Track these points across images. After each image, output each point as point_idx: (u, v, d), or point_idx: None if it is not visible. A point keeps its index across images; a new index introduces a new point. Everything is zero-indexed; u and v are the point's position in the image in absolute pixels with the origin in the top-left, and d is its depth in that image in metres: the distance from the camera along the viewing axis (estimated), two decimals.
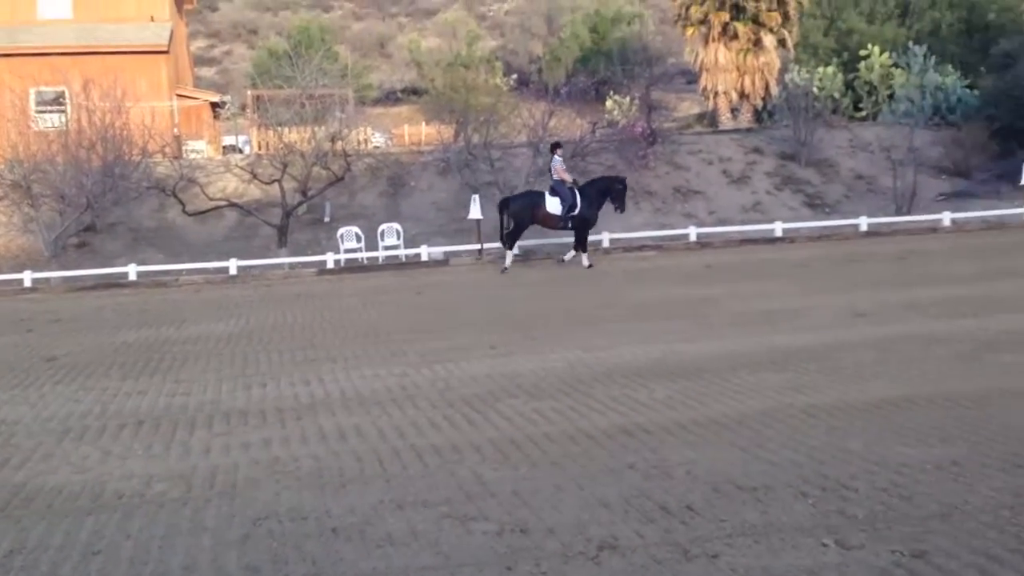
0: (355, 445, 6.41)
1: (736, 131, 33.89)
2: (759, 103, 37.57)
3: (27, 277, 19.83)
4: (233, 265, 20.30)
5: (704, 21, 36.14)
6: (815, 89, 34.23)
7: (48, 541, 4.82)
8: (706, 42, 36.54)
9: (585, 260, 17.85)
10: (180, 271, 20.67)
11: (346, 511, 5.07)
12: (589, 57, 45.90)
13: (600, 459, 5.76)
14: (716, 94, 37.50)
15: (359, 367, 9.27)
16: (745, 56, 36.34)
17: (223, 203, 23.61)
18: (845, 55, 38.95)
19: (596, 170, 25.19)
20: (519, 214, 18.30)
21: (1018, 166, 23.82)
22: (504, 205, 18.66)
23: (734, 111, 37.97)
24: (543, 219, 18.37)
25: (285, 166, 22.65)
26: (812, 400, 6.89)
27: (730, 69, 36.58)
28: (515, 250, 18.82)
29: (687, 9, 36.53)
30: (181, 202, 22.59)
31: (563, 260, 18.42)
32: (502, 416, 6.97)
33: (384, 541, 4.59)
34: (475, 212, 21.45)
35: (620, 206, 18.47)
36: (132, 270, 20.32)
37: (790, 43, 37.50)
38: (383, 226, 22.69)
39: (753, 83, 37.08)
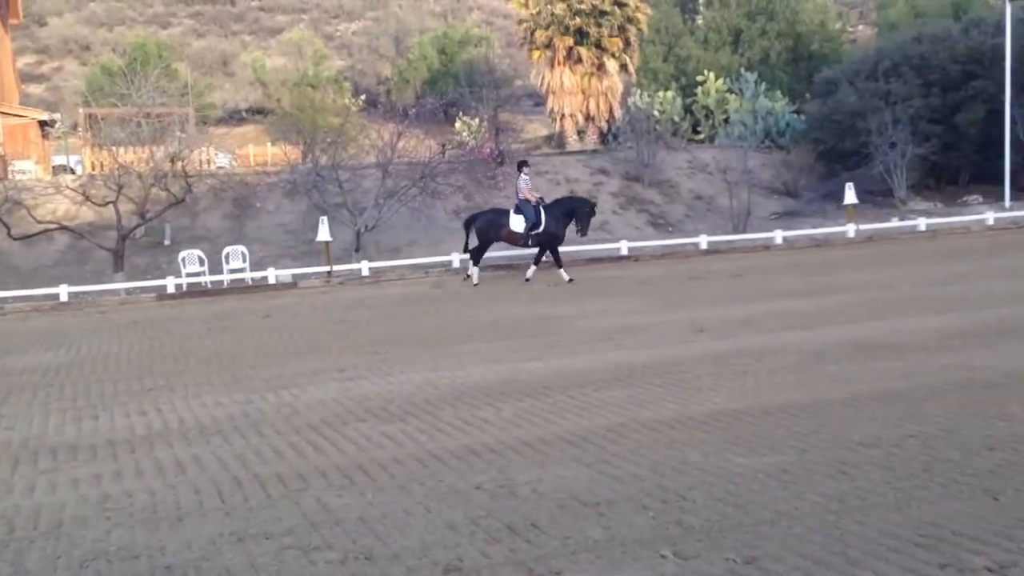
0: (194, 477, 6.15)
1: (582, 152, 34.75)
2: (604, 125, 38.68)
3: None
4: (64, 291, 19.24)
5: (549, 45, 36.97)
6: (656, 112, 35.58)
7: None
8: (552, 65, 37.38)
9: (564, 275, 17.65)
10: (5, 299, 19.42)
11: (182, 547, 4.86)
12: (438, 79, 46.17)
13: (448, 481, 5.73)
14: (563, 116, 38.38)
15: (200, 395, 8.93)
16: (590, 80, 37.36)
17: (53, 226, 22.36)
18: (683, 80, 40.64)
19: (445, 190, 25.32)
20: (485, 231, 18.25)
21: (841, 187, 25.36)
22: (471, 222, 18.69)
23: (580, 133, 38.93)
24: (507, 236, 18.33)
25: (120, 187, 21.66)
26: (655, 415, 7.08)
27: (575, 92, 37.53)
28: (477, 265, 18.56)
29: (532, 33, 37.30)
30: (6, 225, 21.26)
31: (528, 279, 18.07)
32: (349, 441, 6.85)
33: None
34: (324, 234, 21.14)
35: (583, 229, 18.29)
36: None
37: (631, 68, 38.80)
38: (228, 249, 22.04)
39: (598, 106, 38.15)
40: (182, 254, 21.81)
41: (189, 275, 21.21)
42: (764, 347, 9.59)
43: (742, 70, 38.52)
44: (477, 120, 35.82)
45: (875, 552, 4.22)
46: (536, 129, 48.59)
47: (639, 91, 38.52)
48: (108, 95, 28.49)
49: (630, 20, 37.39)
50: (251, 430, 7.38)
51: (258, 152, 38.30)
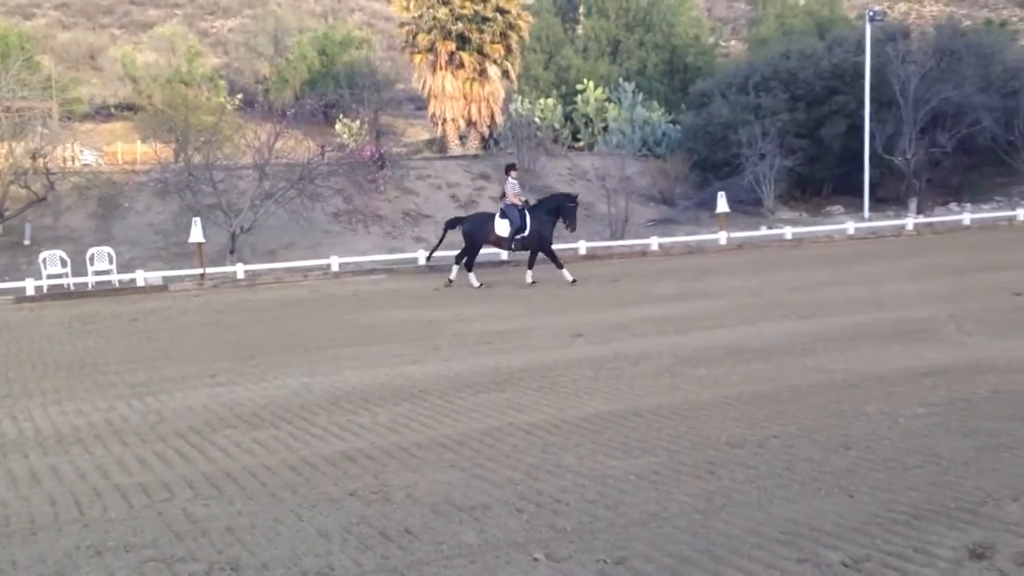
0: (50, 488, 5.86)
1: (464, 157, 34.80)
2: (486, 131, 38.80)
3: None
4: None
5: (431, 49, 36.87)
6: (537, 119, 35.94)
7: None
8: (434, 70, 37.28)
9: (568, 276, 17.30)
10: None
11: (35, 561, 4.62)
12: (318, 79, 45.45)
13: (321, 487, 5.63)
14: (445, 121, 38.32)
15: (60, 402, 8.52)
16: (472, 85, 37.43)
17: None
18: (564, 88, 41.20)
19: (324, 193, 24.95)
20: (472, 234, 17.90)
21: (714, 195, 26.18)
22: (454, 223, 18.41)
23: (462, 138, 38.96)
24: (494, 241, 17.99)
25: None
26: (531, 418, 7.13)
27: (457, 97, 37.53)
28: (471, 271, 17.95)
29: (414, 37, 37.13)
30: None
31: (530, 283, 17.35)
32: (218, 448, 6.65)
33: None
34: (196, 235, 20.52)
35: (571, 224, 17.93)
36: None
37: (513, 74, 39.06)
38: (93, 250, 21.11)
39: (480, 111, 38.24)
40: (43, 255, 20.79)
41: (50, 277, 20.23)
42: (639, 351, 9.79)
43: (621, 80, 39.33)
44: (358, 122, 35.45)
45: (739, 550, 4.35)
46: (418, 133, 48.41)
47: (520, 98, 38.85)
48: None
49: (512, 27, 37.65)
50: (114, 438, 7.08)
51: (127, 150, 36.85)
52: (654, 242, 24.32)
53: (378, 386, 8.62)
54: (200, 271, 20.60)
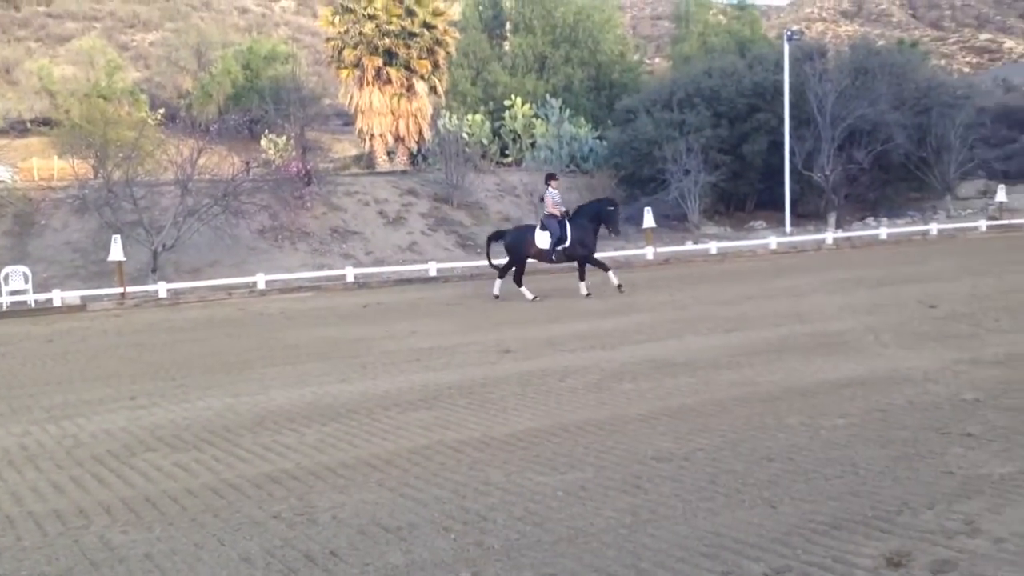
0: None
1: (392, 173, 34.70)
2: (414, 146, 38.77)
3: None
4: None
5: (358, 65, 36.75)
6: (465, 135, 36.03)
7: None
8: (361, 85, 37.15)
9: (614, 279, 16.95)
10: None
11: None
12: (242, 94, 44.95)
13: (245, 511, 5.52)
14: (372, 136, 38.19)
15: None
16: (399, 100, 37.38)
17: None
18: (491, 104, 41.40)
19: (250, 209, 24.61)
20: (513, 248, 17.40)
21: (641, 211, 26.52)
22: (496, 237, 17.94)
23: (390, 154, 38.85)
24: (535, 253, 17.38)
25: None
26: (459, 436, 7.11)
27: (385, 112, 37.44)
28: (522, 286, 17.28)
29: (340, 52, 36.98)
30: None
31: (587, 295, 16.86)
32: (138, 472, 6.48)
33: None
34: (116, 253, 20.05)
35: (614, 229, 17.45)
36: None
37: (441, 90, 39.15)
38: (7, 269, 20.46)
39: (408, 127, 38.20)
40: None
41: None
42: (567, 366, 9.85)
43: (548, 96, 39.69)
44: (284, 138, 35.09)
45: (664, 563, 4.39)
46: (345, 148, 48.12)
47: (448, 113, 38.93)
48: None
49: (439, 43, 37.73)
50: (28, 464, 6.85)
51: (43, 166, 35.90)
52: None
53: (305, 405, 8.51)
54: (120, 290, 20.11)
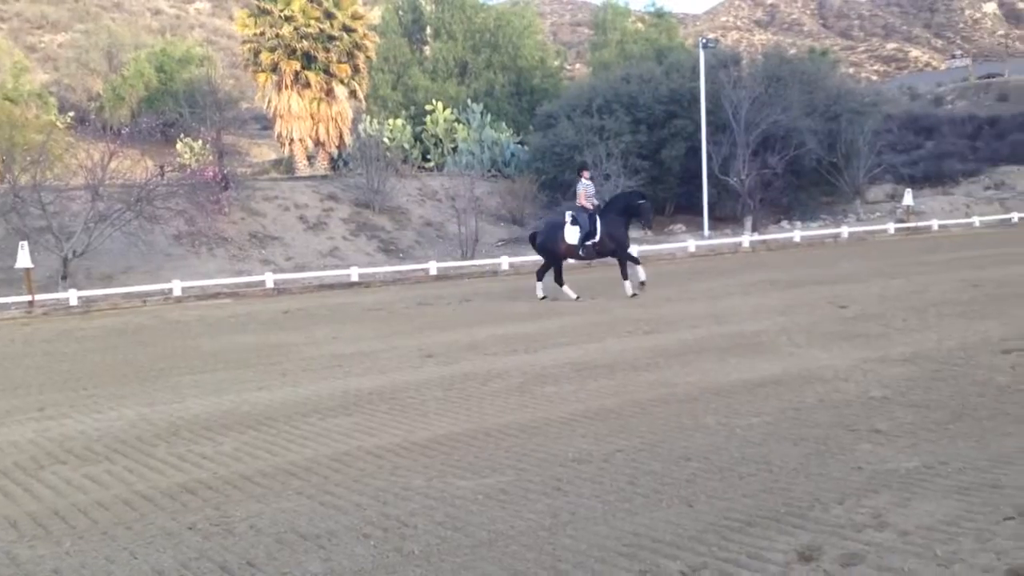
0: None
1: (312, 178, 34.31)
2: (334, 151, 38.41)
3: None
4: None
5: (275, 68, 36.26)
6: (386, 140, 35.84)
7: None
8: (279, 89, 36.67)
9: (642, 274, 16.31)
10: None
11: None
12: (156, 97, 43.97)
13: (158, 522, 5.39)
14: (292, 141, 37.73)
15: None
16: (319, 105, 37.00)
17: None
18: (413, 109, 41.30)
19: (165, 215, 24.08)
20: (545, 247, 16.86)
21: (562, 215, 26.70)
22: (532, 239, 17.52)
23: (310, 158, 38.43)
24: (565, 251, 16.66)
25: None
26: (380, 441, 7.06)
27: (304, 117, 37.02)
28: (564, 285, 16.66)
29: (257, 55, 36.43)
30: None
31: (631, 295, 16.19)
32: (46, 485, 6.27)
33: None
34: (24, 260, 19.38)
35: (647, 222, 17.02)
36: None
37: (361, 94, 38.86)
38: None
39: (328, 131, 37.84)
40: None
41: None
42: (489, 371, 9.86)
43: (469, 101, 39.73)
44: (200, 142, 34.40)
45: (583, 564, 4.43)
46: (264, 153, 47.44)
47: (369, 118, 38.69)
48: None
49: (358, 47, 37.46)
50: None
51: None
52: (504, 261, 24.59)
53: (222, 414, 8.35)
54: (29, 298, 19.44)
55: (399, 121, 38.99)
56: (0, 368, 12.06)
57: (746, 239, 28.61)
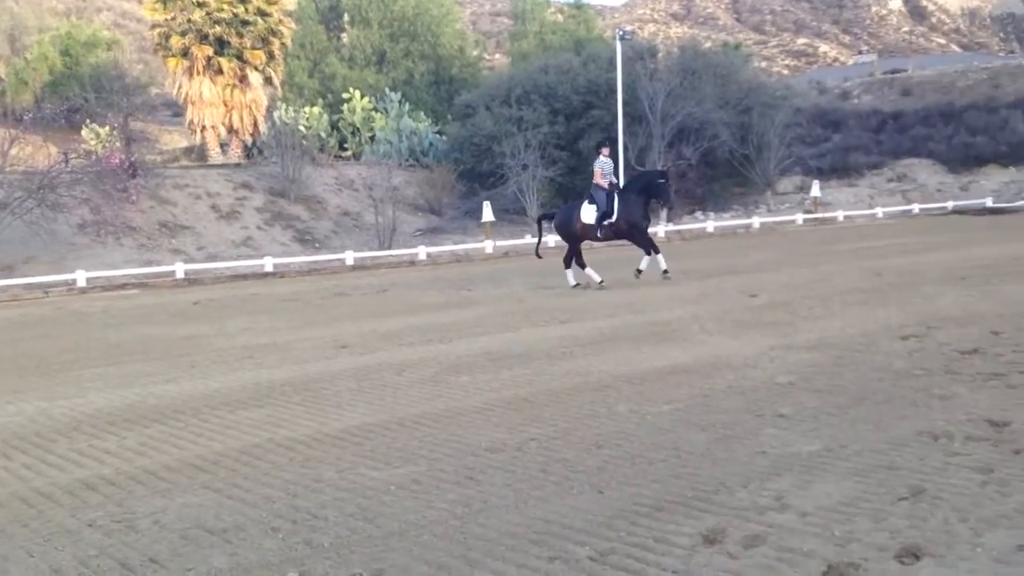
0: None
1: (225, 166, 33.60)
2: (248, 139, 37.69)
3: None
4: None
5: (187, 54, 35.37)
6: (302, 128, 35.31)
7: None
8: (191, 75, 35.81)
9: (662, 262, 15.68)
10: None
11: None
12: (61, 82, 42.46)
13: (56, 520, 5.22)
14: (204, 128, 36.90)
15: None
16: (232, 91, 36.25)
17: None
18: (330, 97, 40.77)
19: (69, 203, 23.32)
20: (561, 228, 16.26)
21: (480, 205, 26.73)
22: (545, 218, 16.96)
23: (223, 146, 37.63)
24: (582, 231, 15.91)
25: None
26: (291, 433, 6.96)
27: (217, 103, 36.23)
28: (586, 268, 16.08)
29: (167, 39, 35.48)
30: None
31: (639, 271, 15.89)
32: None
33: None
34: None
35: (667, 201, 16.46)
36: None
37: (276, 81, 38.19)
38: None
39: (242, 119, 37.12)
40: None
41: None
42: (403, 361, 9.80)
43: (387, 89, 39.39)
44: (107, 128, 33.36)
45: (494, 552, 4.44)
46: (175, 140, 46.27)
47: (284, 106, 38.07)
48: None
49: (273, 32, 36.79)
50: None
51: None
52: (422, 251, 24.50)
53: (126, 408, 8.12)
54: None
55: (316, 109, 38.45)
56: None
57: (661, 229, 29.01)
